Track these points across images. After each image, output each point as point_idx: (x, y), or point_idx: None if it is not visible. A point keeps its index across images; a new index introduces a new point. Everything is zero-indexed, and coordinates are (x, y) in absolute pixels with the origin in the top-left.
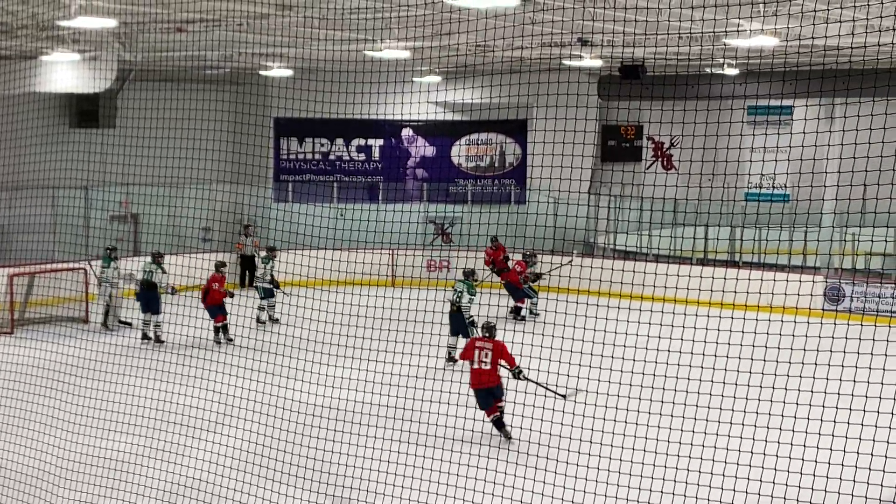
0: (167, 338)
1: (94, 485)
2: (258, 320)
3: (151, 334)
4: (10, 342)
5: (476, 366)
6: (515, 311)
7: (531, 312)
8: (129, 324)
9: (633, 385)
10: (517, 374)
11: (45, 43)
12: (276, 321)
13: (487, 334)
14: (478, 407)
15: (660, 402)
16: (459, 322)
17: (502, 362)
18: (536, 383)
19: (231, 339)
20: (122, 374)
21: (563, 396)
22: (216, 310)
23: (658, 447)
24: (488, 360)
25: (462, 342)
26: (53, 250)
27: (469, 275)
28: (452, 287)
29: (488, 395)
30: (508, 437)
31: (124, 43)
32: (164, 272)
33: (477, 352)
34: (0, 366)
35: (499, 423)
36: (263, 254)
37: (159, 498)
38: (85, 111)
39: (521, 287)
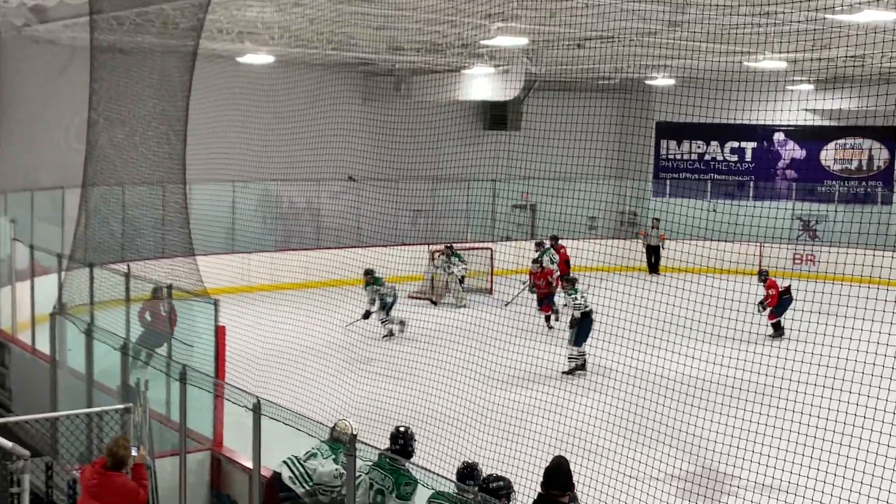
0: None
1: (498, 429)
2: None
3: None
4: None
5: None
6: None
7: None
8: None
9: None
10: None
11: (466, 59)
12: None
13: None
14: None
15: None
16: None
17: None
18: None
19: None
20: (515, 336)
21: None
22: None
23: None
24: None
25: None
26: (466, 231)
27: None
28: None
29: None
30: None
31: (531, 57)
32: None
33: None
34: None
35: None
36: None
37: (544, 449)
38: (495, 116)
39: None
